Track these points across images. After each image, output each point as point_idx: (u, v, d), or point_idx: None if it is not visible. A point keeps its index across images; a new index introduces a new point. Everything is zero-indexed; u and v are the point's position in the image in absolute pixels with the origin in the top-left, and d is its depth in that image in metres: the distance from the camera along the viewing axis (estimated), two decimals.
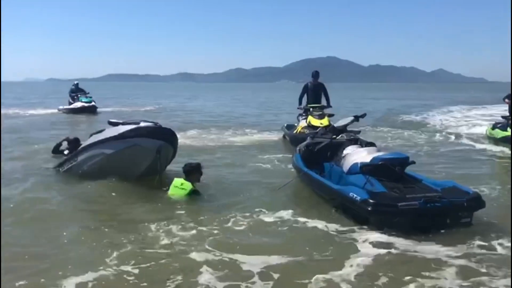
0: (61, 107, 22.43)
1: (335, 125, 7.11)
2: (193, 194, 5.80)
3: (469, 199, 4.78)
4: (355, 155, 5.74)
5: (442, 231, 4.61)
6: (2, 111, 22.08)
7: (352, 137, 6.49)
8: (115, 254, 4.06)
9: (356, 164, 5.53)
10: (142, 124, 6.62)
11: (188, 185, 5.80)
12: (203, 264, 3.85)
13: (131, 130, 6.47)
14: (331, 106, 11.60)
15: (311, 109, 11.23)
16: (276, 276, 3.65)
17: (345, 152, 6.03)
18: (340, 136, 6.71)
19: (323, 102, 11.77)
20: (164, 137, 6.51)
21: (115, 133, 6.55)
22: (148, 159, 6.51)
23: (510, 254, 4.08)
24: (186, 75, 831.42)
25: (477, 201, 4.82)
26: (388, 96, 50.73)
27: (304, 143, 7.07)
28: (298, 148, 7.07)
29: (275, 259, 3.95)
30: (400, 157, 5.50)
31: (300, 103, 11.84)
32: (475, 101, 33.42)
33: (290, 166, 7.55)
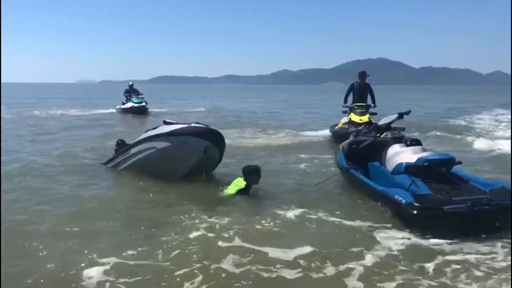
0: (118, 107, 23.34)
1: (379, 123, 6.95)
2: (241, 192, 5.99)
3: None
4: (400, 155, 5.64)
5: (492, 234, 4.45)
6: (64, 111, 23.65)
7: (396, 135, 6.31)
8: (153, 241, 4.41)
9: (401, 164, 5.44)
10: (193, 124, 6.89)
11: (242, 183, 6.03)
12: (229, 253, 4.06)
13: (182, 129, 6.79)
14: (376, 106, 11.76)
15: (355, 107, 11.49)
16: (300, 266, 3.84)
17: (389, 151, 5.92)
18: (384, 134, 6.48)
19: (369, 102, 11.93)
20: (211, 138, 6.73)
21: (167, 130, 6.89)
22: (195, 157, 6.76)
23: None
24: (233, 77, 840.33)
25: None
26: (435, 98, 49.31)
27: (347, 141, 7.01)
28: (341, 146, 6.99)
29: (301, 251, 4.10)
30: (445, 157, 5.36)
31: (345, 101, 12.08)
32: None
33: (331, 162, 7.58)
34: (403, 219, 4.79)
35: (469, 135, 13.32)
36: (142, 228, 4.85)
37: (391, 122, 6.75)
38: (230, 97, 53.58)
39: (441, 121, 18.69)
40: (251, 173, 6.11)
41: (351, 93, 11.93)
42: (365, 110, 11.40)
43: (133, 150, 7.45)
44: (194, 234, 4.55)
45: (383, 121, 6.87)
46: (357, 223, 4.93)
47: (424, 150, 5.72)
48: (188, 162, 6.85)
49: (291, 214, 5.20)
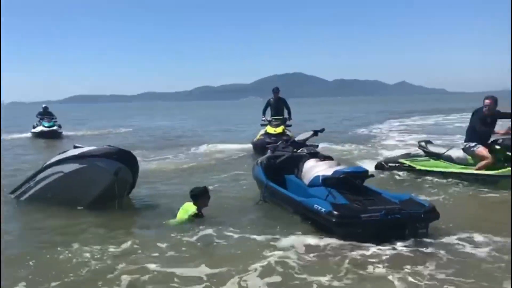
0: (32, 130, 21.72)
1: (296, 139, 7.42)
2: (195, 217, 5.68)
3: (426, 211, 5.01)
4: (316, 168, 5.95)
5: (402, 241, 4.79)
6: None
7: (312, 151, 6.70)
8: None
9: (317, 177, 5.74)
10: (104, 146, 6.74)
11: (192, 208, 5.72)
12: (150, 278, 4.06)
13: (91, 150, 6.55)
14: (291, 118, 12.87)
15: (272, 120, 12.56)
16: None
17: (306, 165, 6.20)
18: (300, 149, 6.86)
19: (286, 115, 13.04)
20: (123, 159, 6.48)
21: (75, 153, 6.61)
22: (105, 181, 6.36)
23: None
24: (153, 94, 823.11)
25: (433, 213, 5.07)
26: (345, 109, 52.36)
27: (265, 156, 7.22)
28: (259, 161, 7.12)
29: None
30: (360, 170, 5.75)
31: (263, 115, 13.03)
32: (428, 111, 35.75)
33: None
34: (323, 227, 5.05)
35: (376, 148, 14.54)
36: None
37: (307, 138, 7.35)
38: (150, 115, 52.69)
39: (349, 132, 20.37)
40: (200, 196, 5.78)
41: (269, 108, 12.96)
42: (280, 122, 12.52)
43: (38, 177, 6.96)
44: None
45: (299, 137, 7.43)
46: (269, 235, 5.08)
47: (338, 164, 6.15)
48: (98, 186, 6.42)
49: (216, 233, 5.22)
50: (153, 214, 6.43)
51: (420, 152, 8.43)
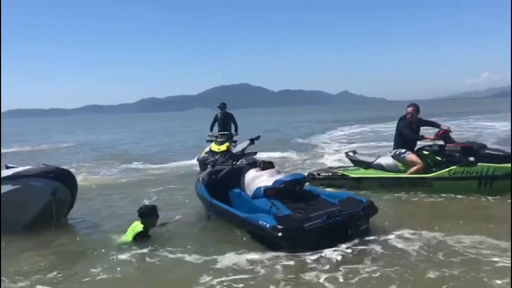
0: None
1: (233, 150, 7.43)
2: (140, 236, 5.45)
3: (364, 207, 5.20)
4: (258, 179, 5.88)
5: (345, 242, 4.90)
6: None
7: (251, 161, 6.66)
8: None
9: (259, 188, 5.69)
10: (40, 165, 6.41)
11: (139, 227, 5.50)
12: None
13: (26, 170, 6.27)
14: (237, 134, 12.69)
15: (219, 136, 12.30)
16: None
17: (247, 176, 6.11)
18: (240, 161, 6.78)
19: (234, 130, 12.89)
20: (60, 178, 6.23)
21: (9, 173, 6.26)
22: (42, 201, 6.10)
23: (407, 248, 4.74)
24: (95, 107, 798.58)
25: (371, 208, 5.30)
26: (290, 119, 53.51)
27: (205, 172, 7.04)
28: (200, 178, 6.88)
29: None
30: (299, 177, 5.86)
31: (211, 130, 12.75)
32: (366, 119, 37.34)
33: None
34: (270, 243, 4.94)
35: (310, 153, 15.25)
36: None
37: (245, 148, 7.36)
38: (93, 129, 51.26)
39: (291, 141, 20.96)
40: (149, 214, 5.58)
41: (216, 123, 12.64)
42: (225, 139, 12.34)
43: None
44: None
45: (237, 149, 7.36)
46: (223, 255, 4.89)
47: (278, 172, 6.13)
48: (35, 207, 6.15)
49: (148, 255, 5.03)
50: (90, 234, 6.25)
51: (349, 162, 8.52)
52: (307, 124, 37.62)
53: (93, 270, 4.73)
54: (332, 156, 13.68)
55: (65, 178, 6.35)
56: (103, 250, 5.36)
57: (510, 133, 11.08)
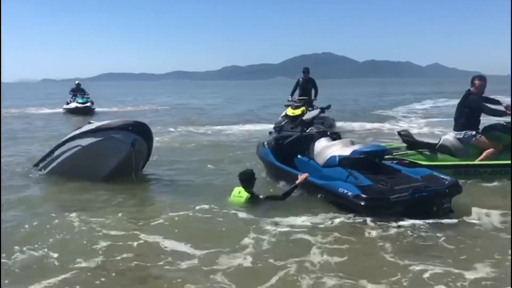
0: (64, 106, 22.40)
1: (304, 118, 7.10)
2: (251, 200, 5.53)
3: (450, 186, 5.02)
4: (331, 148, 5.76)
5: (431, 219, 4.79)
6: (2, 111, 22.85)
7: (321, 129, 6.50)
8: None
9: (333, 157, 5.55)
10: (120, 119, 6.83)
11: (244, 194, 5.56)
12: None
13: (107, 124, 6.72)
14: (316, 99, 12.79)
15: (297, 101, 12.36)
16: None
17: (317, 145, 6.00)
18: (309, 129, 6.59)
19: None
20: (139, 131, 6.58)
21: (92, 127, 6.76)
22: (122, 152, 6.53)
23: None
24: (181, 73, 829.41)
25: (457, 187, 5.11)
26: (374, 90, 51.84)
27: (273, 137, 6.99)
28: (265, 143, 6.87)
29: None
30: (380, 149, 5.65)
31: (292, 95, 12.90)
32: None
33: None
34: (349, 209, 4.95)
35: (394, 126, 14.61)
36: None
37: (315, 116, 7.06)
38: (181, 93, 53.44)
39: (372, 113, 20.30)
40: (248, 179, 5.62)
41: (298, 88, 12.86)
42: (301, 104, 12.33)
43: (57, 152, 7.16)
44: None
45: (307, 116, 7.04)
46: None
47: (352, 143, 5.93)
48: (115, 157, 6.62)
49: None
50: (170, 189, 6.64)
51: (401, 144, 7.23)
52: (389, 97, 36.22)
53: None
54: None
55: (143, 131, 6.68)
56: (176, 201, 5.74)
57: None
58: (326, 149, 5.81)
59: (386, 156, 6.13)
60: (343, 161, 5.39)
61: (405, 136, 7.14)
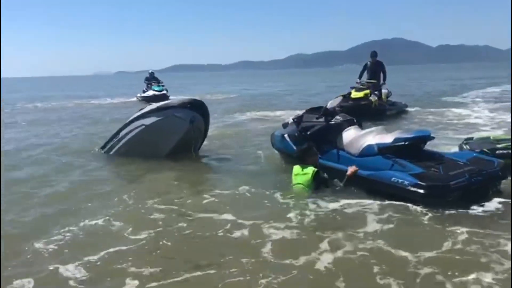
0: (138, 95, 23.51)
1: (328, 105, 6.73)
2: (317, 177, 5.25)
3: (501, 168, 4.91)
4: (364, 137, 5.50)
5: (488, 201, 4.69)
6: (86, 101, 24.57)
7: (348, 118, 6.16)
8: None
9: (371, 146, 5.32)
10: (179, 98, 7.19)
11: (310, 169, 5.26)
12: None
13: (167, 103, 7.24)
14: (385, 83, 12.71)
15: (364, 83, 12.41)
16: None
17: (346, 134, 5.75)
18: (335, 118, 6.22)
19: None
20: (196, 108, 6.97)
21: (153, 107, 7.21)
22: (182, 129, 6.91)
23: None
24: (247, 63, 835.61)
25: (507, 169, 5.01)
26: (441, 77, 48.81)
27: (292, 128, 6.54)
28: (286, 135, 6.52)
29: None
30: (424, 134, 5.38)
31: (359, 78, 12.95)
32: None
33: None
34: (405, 199, 4.72)
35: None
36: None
37: (337, 104, 6.82)
38: (250, 82, 54.28)
39: (440, 99, 19.41)
40: (307, 153, 5.43)
41: (366, 71, 12.99)
42: (365, 87, 12.23)
43: (122, 132, 7.60)
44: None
45: (330, 105, 6.67)
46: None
47: (386, 130, 5.68)
48: (177, 134, 6.98)
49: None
50: (229, 167, 7.02)
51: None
52: (460, 82, 34.38)
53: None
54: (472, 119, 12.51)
55: (200, 108, 7.06)
56: (240, 178, 6.11)
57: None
58: (359, 138, 5.54)
59: (498, 146, 5.62)
60: (384, 150, 5.18)
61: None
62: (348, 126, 5.91)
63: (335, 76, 64.99)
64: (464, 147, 6.09)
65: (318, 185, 5.26)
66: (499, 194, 4.92)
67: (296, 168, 5.41)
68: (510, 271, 3.38)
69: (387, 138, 5.28)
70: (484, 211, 4.56)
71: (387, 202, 4.82)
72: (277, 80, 58.42)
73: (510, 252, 3.67)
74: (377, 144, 5.28)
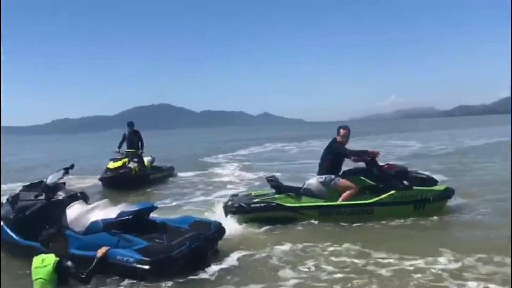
0: None
1: (47, 181, 6.01)
2: (60, 268, 4.17)
3: (217, 229, 5.33)
4: (89, 213, 5.21)
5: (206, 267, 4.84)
6: None
7: (72, 193, 5.89)
8: None
9: (96, 222, 5.04)
10: None
11: (51, 259, 4.19)
12: None
13: None
14: (142, 151, 13.06)
15: (123, 153, 12.67)
16: None
17: (71, 211, 5.30)
18: (57, 194, 5.78)
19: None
20: None
21: None
22: None
23: None
24: (5, 128, 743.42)
25: (223, 230, 5.45)
26: (201, 140, 52.27)
27: (7, 209, 5.81)
28: (3, 217, 5.72)
29: None
30: (147, 207, 5.39)
31: (119, 148, 13.10)
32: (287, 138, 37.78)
33: None
34: (131, 277, 4.54)
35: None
36: None
37: (60, 178, 6.16)
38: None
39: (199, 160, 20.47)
40: (53, 239, 4.32)
41: (125, 141, 13.23)
42: (123, 156, 12.51)
43: None
44: None
45: (50, 180, 5.99)
46: None
47: (110, 204, 5.50)
48: None
49: None
50: None
51: (268, 189, 7.55)
52: (220, 144, 37.72)
53: None
54: (229, 177, 13.77)
55: None
56: None
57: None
58: (84, 214, 5.22)
59: (255, 200, 7.00)
60: (109, 225, 4.96)
61: (273, 181, 7.45)
62: (71, 202, 5.48)
63: (100, 142, 62.70)
64: (229, 203, 7.18)
65: (64, 277, 4.19)
66: (216, 255, 5.20)
67: (36, 260, 4.23)
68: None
69: (112, 213, 5.12)
70: (210, 275, 4.73)
71: None
72: (40, 147, 52.51)
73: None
74: (102, 220, 5.04)
